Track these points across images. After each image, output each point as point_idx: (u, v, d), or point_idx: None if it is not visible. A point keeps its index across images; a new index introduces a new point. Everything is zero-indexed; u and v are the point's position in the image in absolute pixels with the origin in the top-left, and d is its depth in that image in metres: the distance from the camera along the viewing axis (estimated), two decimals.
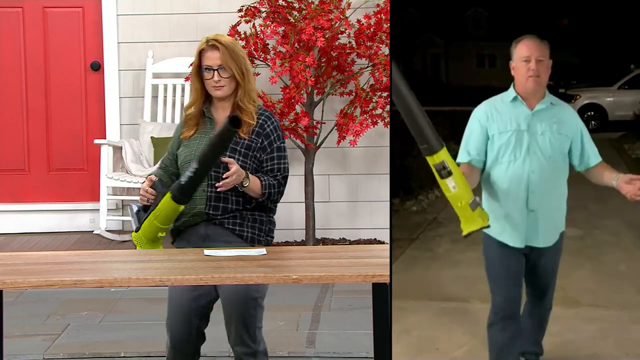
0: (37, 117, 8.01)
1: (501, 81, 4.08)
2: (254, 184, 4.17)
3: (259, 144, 4.20)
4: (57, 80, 8.03)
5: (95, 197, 7.81)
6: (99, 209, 7.72)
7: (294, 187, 7.53)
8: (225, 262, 3.83)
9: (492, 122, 3.92)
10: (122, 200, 7.82)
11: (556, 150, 3.93)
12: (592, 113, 8.60)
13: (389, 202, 6.85)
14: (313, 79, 6.94)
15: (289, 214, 7.49)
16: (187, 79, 7.29)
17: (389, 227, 4.10)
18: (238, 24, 7.13)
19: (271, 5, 7.08)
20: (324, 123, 7.31)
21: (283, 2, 7.11)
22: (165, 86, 7.81)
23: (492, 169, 3.92)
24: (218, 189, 4.15)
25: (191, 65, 7.48)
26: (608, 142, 8.24)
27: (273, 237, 4.37)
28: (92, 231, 7.84)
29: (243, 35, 7.12)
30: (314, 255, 4.29)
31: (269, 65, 6.99)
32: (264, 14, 7.10)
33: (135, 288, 6.07)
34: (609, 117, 8.90)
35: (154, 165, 7.46)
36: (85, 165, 8.07)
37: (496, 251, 3.98)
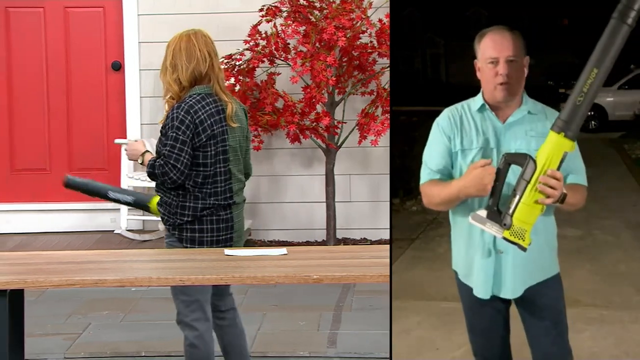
0: (58, 117, 8.02)
1: None
2: (146, 161, 4.30)
3: (162, 132, 4.30)
4: (78, 80, 8.04)
5: None
6: (119, 209, 7.73)
7: (315, 187, 7.52)
8: (246, 262, 3.83)
9: (455, 135, 3.19)
10: None
11: None
12: (592, 113, 8.54)
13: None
14: (334, 79, 6.93)
15: (310, 213, 7.46)
16: None
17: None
18: (259, 23, 7.12)
19: (292, 5, 7.07)
20: (345, 123, 7.29)
21: (304, 2, 7.09)
22: None
23: None
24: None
25: None
26: (608, 142, 8.24)
27: (186, 219, 4.17)
28: (113, 230, 7.84)
29: (264, 35, 7.11)
30: (335, 255, 4.28)
31: (290, 65, 6.98)
32: (285, 14, 7.09)
33: (156, 287, 6.06)
34: (609, 117, 8.88)
35: None
36: (106, 164, 8.07)
37: (466, 298, 3.38)
